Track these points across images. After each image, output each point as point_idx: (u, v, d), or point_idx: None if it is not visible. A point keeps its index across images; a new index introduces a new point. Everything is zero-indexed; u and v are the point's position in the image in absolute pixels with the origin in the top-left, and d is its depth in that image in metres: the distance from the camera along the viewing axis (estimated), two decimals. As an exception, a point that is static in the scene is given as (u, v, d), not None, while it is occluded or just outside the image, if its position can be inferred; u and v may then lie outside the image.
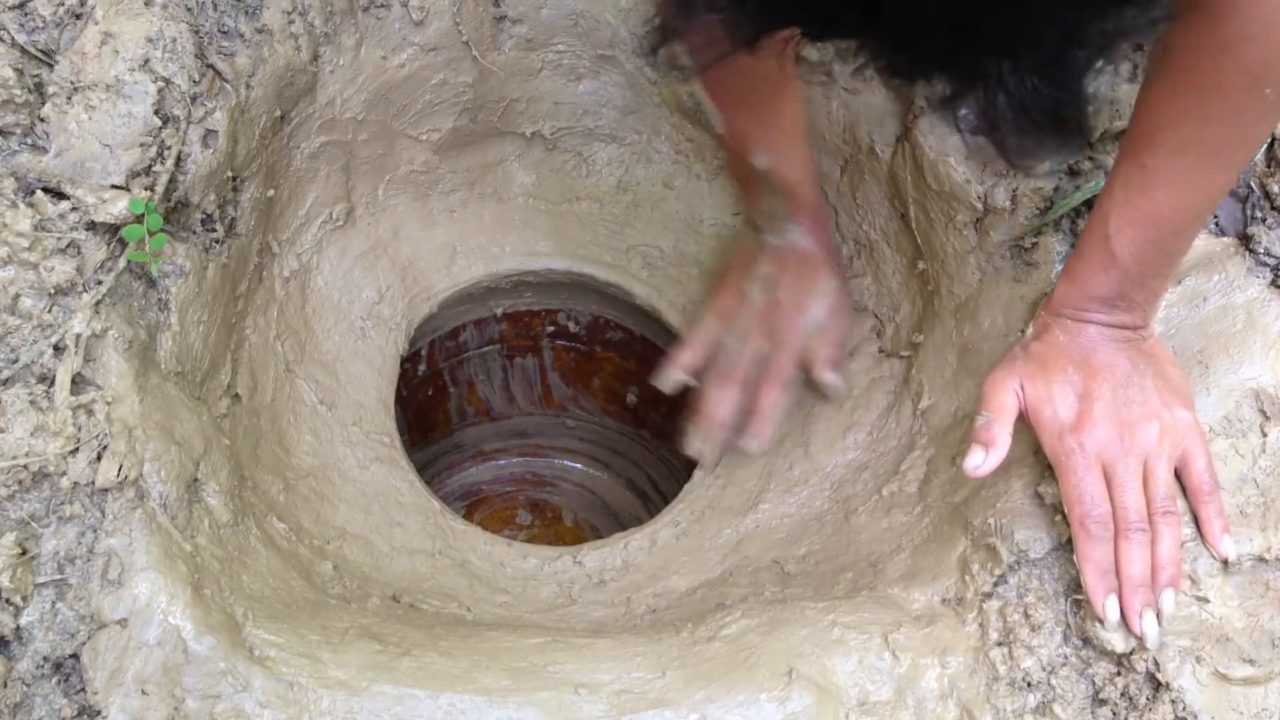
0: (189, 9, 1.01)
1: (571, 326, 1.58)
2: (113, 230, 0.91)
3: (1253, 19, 0.74)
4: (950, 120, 1.12)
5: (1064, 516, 0.90)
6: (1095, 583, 0.86)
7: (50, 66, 0.94)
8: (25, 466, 0.82)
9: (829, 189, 1.29)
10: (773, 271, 1.24)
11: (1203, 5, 0.74)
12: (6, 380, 0.84)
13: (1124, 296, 0.90)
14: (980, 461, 0.89)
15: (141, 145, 0.93)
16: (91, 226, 0.91)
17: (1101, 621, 0.85)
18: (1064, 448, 0.89)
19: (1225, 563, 0.88)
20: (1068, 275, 0.93)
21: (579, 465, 1.83)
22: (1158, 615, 0.84)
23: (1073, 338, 0.92)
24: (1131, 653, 0.85)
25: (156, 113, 0.94)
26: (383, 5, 1.20)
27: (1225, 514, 0.89)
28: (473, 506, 1.79)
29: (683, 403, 1.58)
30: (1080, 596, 0.88)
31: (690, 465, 1.33)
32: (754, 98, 1.13)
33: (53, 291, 0.87)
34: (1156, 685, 0.85)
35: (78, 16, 0.96)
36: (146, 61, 0.94)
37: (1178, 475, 0.90)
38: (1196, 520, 0.89)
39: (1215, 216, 1.03)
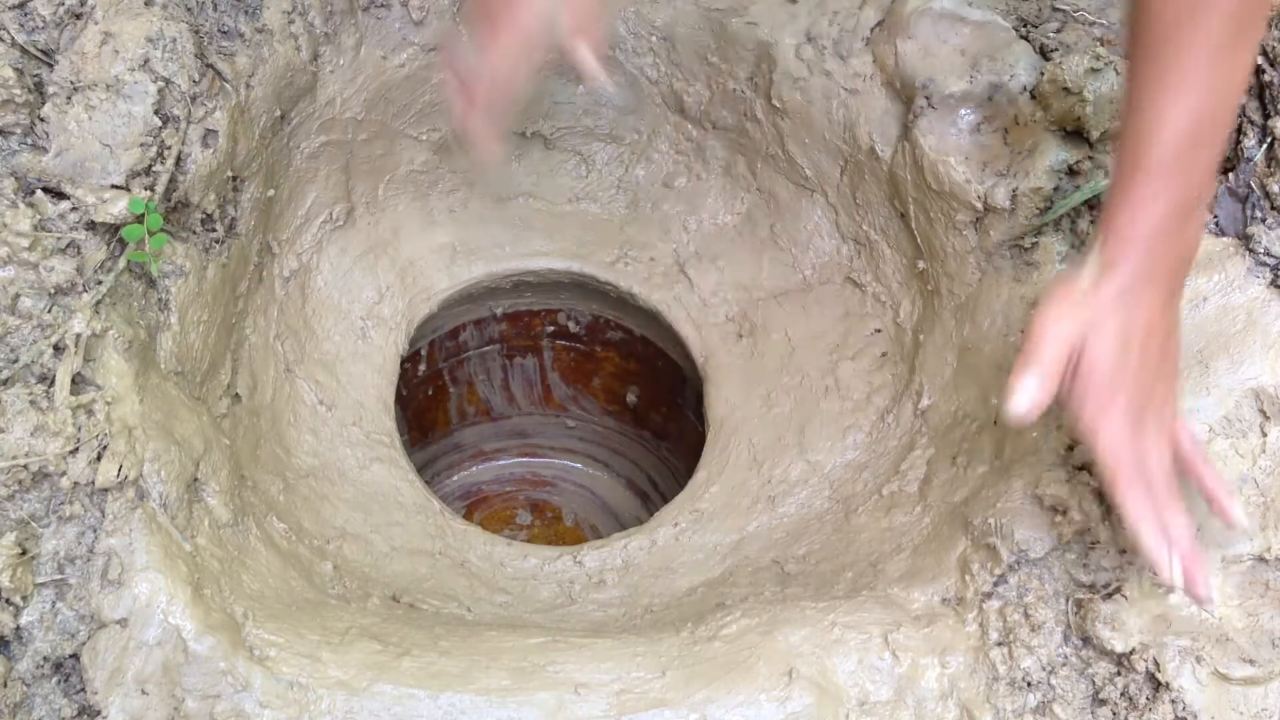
0: (189, 9, 1.01)
1: (571, 326, 1.58)
2: (113, 230, 0.91)
3: None
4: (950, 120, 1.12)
5: (1063, 517, 0.90)
6: (1158, 543, 0.81)
7: (50, 66, 0.94)
8: (25, 466, 0.82)
9: (829, 189, 1.29)
10: None
11: None
12: (6, 380, 0.84)
13: (1178, 210, 0.84)
14: (1024, 404, 0.82)
15: (141, 145, 0.93)
16: (91, 226, 0.91)
17: (1166, 583, 0.81)
18: (1102, 409, 0.84)
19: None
20: (1121, 190, 0.86)
21: (579, 465, 1.83)
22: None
23: (1131, 292, 0.86)
24: (1131, 653, 0.85)
25: (156, 113, 0.94)
26: (383, 5, 1.20)
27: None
28: (473, 506, 1.79)
29: (683, 406, 1.58)
30: (1081, 596, 0.88)
31: (690, 465, 1.33)
32: None
33: (53, 291, 0.87)
34: (1156, 685, 0.85)
35: (78, 16, 0.96)
36: (146, 61, 0.94)
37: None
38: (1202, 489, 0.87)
39: (1215, 216, 1.03)
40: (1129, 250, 0.87)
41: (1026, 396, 0.83)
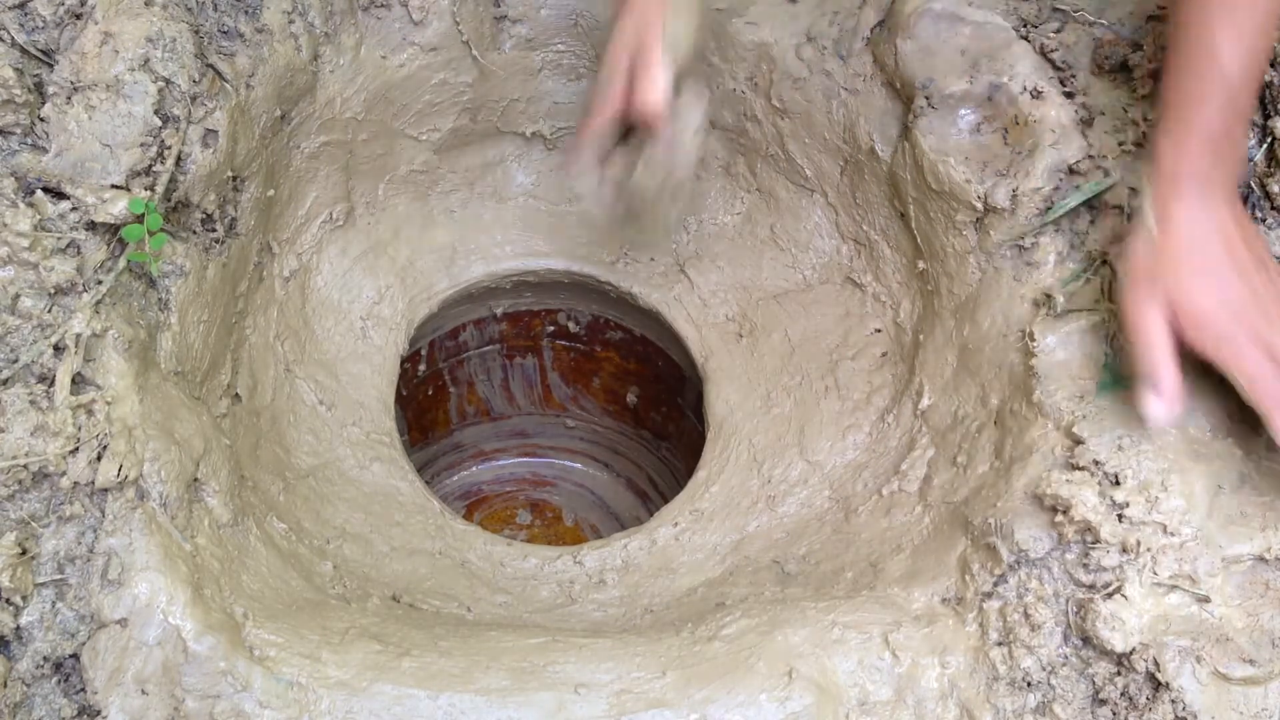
0: (189, 9, 1.01)
1: (571, 326, 1.58)
2: (113, 230, 0.91)
3: None
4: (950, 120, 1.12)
5: (1064, 517, 0.90)
6: None
7: (50, 66, 0.94)
8: (25, 466, 0.82)
9: (829, 189, 1.29)
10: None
11: None
12: (6, 380, 0.84)
13: (1229, 132, 0.88)
14: (1161, 411, 0.86)
15: (141, 145, 0.93)
16: (91, 226, 0.91)
17: None
18: (1226, 339, 0.86)
19: None
20: (1168, 130, 0.90)
21: (579, 465, 1.83)
22: None
23: (1196, 211, 0.89)
24: (1131, 652, 0.85)
25: (156, 113, 0.94)
26: (383, 5, 1.20)
27: None
28: (473, 506, 1.79)
29: (683, 406, 1.58)
30: (1081, 596, 0.88)
31: (690, 465, 1.33)
32: None
33: (53, 291, 0.87)
34: (1156, 685, 0.85)
35: (78, 16, 0.96)
36: (146, 61, 0.94)
37: None
38: None
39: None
40: (1182, 182, 0.89)
41: (1162, 409, 0.86)
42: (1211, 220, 0.89)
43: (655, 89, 1.06)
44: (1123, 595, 0.87)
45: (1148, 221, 0.91)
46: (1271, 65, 1.05)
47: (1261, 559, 0.89)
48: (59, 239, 0.89)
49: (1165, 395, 0.86)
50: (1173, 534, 0.88)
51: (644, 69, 1.06)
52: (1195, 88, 0.88)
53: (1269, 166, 1.03)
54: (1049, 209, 1.06)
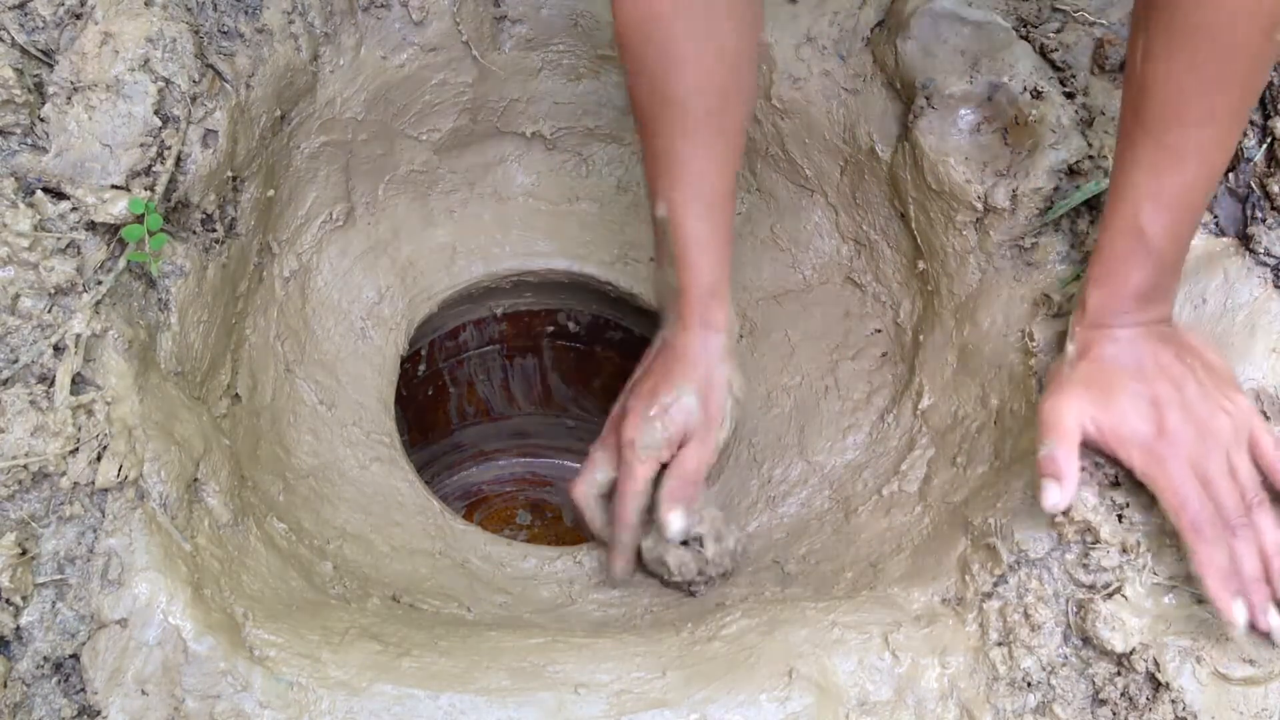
0: (189, 9, 1.01)
1: (571, 326, 1.58)
2: (113, 230, 0.91)
3: None
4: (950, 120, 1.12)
5: (1064, 517, 0.90)
6: (1220, 588, 0.83)
7: (50, 66, 0.94)
8: (25, 466, 0.82)
9: (829, 189, 1.29)
10: (639, 372, 1.12)
11: None
12: (6, 380, 0.84)
13: (1159, 286, 0.89)
14: (1057, 497, 0.86)
15: (141, 145, 0.93)
16: (91, 226, 0.91)
17: (1230, 624, 0.82)
18: (1155, 458, 0.86)
19: None
20: (1097, 282, 0.91)
21: (579, 465, 1.82)
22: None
23: (1121, 348, 0.90)
24: (1131, 653, 0.85)
25: (156, 113, 0.94)
26: (383, 5, 1.20)
27: None
28: (473, 506, 1.79)
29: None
30: (1082, 596, 0.88)
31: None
32: (683, 87, 0.93)
33: (53, 291, 0.87)
34: (1156, 685, 0.85)
35: (78, 16, 0.96)
36: (146, 61, 0.94)
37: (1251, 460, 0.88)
38: None
39: (1215, 216, 1.03)
40: (1102, 327, 0.91)
41: (1059, 499, 0.86)
42: (1136, 354, 0.90)
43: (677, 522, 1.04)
44: (1123, 595, 0.87)
45: (1070, 356, 0.93)
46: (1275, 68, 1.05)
47: (1261, 559, 0.89)
48: (59, 239, 0.89)
49: (1066, 490, 0.86)
50: (1172, 534, 0.88)
51: (686, 485, 1.05)
52: (1124, 251, 0.88)
53: (1269, 166, 1.03)
54: (1049, 209, 1.06)
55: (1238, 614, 0.82)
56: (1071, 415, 0.88)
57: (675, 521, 1.03)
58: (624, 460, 1.07)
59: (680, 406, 1.05)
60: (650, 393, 1.07)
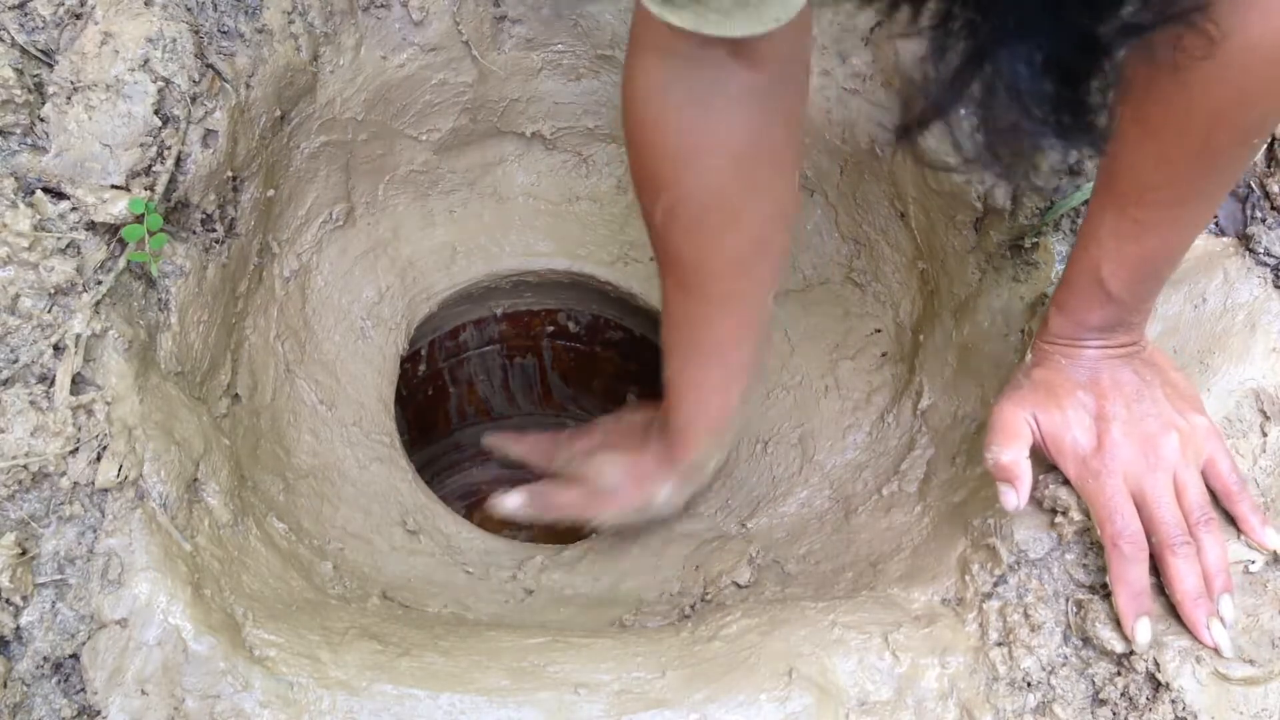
0: (189, 9, 1.01)
1: (571, 326, 1.58)
2: (113, 230, 0.91)
3: (1249, 81, 0.71)
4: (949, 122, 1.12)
5: (1064, 517, 0.90)
6: (1127, 605, 0.84)
7: (50, 66, 0.94)
8: (25, 466, 0.82)
9: (829, 188, 1.29)
10: (628, 416, 1.25)
11: (1186, 67, 0.68)
12: (6, 380, 0.84)
13: (1121, 323, 0.90)
14: (1015, 501, 0.87)
15: (141, 145, 0.93)
16: (91, 226, 0.91)
17: (1131, 643, 0.84)
18: (1089, 471, 0.87)
19: (1275, 555, 0.87)
20: (1059, 308, 0.91)
21: (578, 465, 1.82)
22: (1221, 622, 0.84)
23: (1075, 361, 0.91)
24: (1131, 653, 0.85)
25: (156, 113, 0.94)
26: (383, 5, 1.20)
27: (1260, 508, 0.88)
28: (473, 506, 1.79)
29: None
30: (1082, 596, 0.88)
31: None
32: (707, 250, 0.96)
33: (53, 291, 0.87)
34: (1156, 685, 0.85)
35: (78, 16, 0.96)
36: (146, 61, 0.94)
37: (1205, 481, 0.89)
38: (1234, 520, 0.88)
39: (1215, 217, 1.03)
40: (1059, 344, 0.92)
41: (1016, 502, 0.87)
42: (1092, 369, 0.91)
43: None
44: (1123, 595, 0.87)
45: (1026, 364, 0.94)
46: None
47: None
48: (59, 239, 0.89)
49: (1022, 492, 0.87)
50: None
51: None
52: (1086, 293, 0.89)
53: (1269, 167, 1.03)
54: (1049, 209, 1.06)
55: (1140, 633, 0.83)
56: (1020, 419, 0.89)
57: (508, 503, 1.19)
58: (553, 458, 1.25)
59: (606, 461, 1.17)
60: (609, 444, 1.20)
